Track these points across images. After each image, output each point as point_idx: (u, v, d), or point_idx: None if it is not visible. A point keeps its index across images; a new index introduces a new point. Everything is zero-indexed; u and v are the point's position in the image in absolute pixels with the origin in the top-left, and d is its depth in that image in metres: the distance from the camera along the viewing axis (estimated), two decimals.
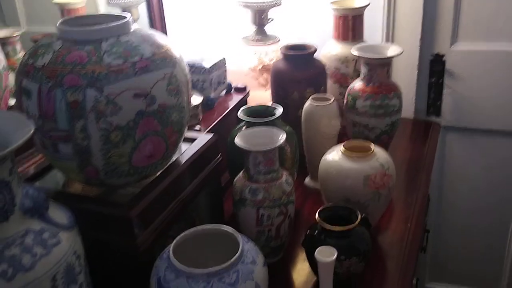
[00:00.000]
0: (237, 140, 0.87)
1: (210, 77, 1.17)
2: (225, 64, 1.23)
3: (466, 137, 1.61)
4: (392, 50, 1.14)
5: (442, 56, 1.52)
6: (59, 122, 0.70)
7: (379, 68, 1.13)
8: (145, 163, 0.77)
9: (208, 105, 1.16)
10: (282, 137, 0.87)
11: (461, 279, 1.81)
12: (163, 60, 0.74)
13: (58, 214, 0.63)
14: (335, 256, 0.72)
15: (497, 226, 1.70)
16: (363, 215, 0.85)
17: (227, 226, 0.78)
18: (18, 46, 1.11)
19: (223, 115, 1.16)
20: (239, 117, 1.02)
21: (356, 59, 1.29)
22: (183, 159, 0.88)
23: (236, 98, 1.24)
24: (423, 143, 1.39)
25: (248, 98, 1.28)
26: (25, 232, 0.57)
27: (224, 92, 1.25)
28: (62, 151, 0.73)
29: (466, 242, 1.76)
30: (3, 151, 0.52)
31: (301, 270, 0.95)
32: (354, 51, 1.14)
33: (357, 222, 0.83)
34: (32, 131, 0.56)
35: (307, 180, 1.20)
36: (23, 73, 0.72)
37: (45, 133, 0.72)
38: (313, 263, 0.87)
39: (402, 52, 1.13)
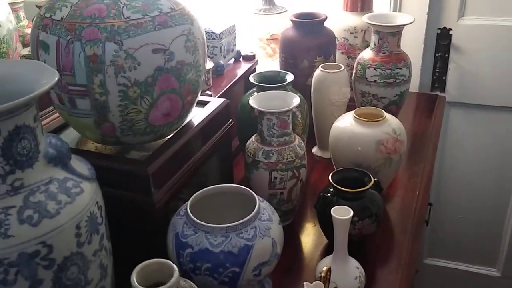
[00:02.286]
0: (252, 102, 0.87)
1: (220, 43, 1.16)
2: (235, 30, 1.22)
3: (470, 113, 1.61)
4: (403, 19, 1.13)
5: (449, 30, 1.51)
6: (77, 76, 0.70)
7: (390, 36, 1.13)
8: (161, 121, 0.77)
9: (217, 71, 1.16)
10: (296, 100, 0.87)
11: (459, 256, 1.83)
12: (181, 16, 0.74)
13: (80, 165, 0.63)
14: (351, 214, 0.72)
15: (497, 203, 1.72)
16: (376, 178, 0.86)
17: (242, 186, 0.79)
18: (22, 13, 1.10)
19: (232, 82, 1.15)
20: (251, 81, 1.02)
21: (365, 30, 1.29)
22: (196, 122, 0.88)
23: (244, 66, 1.23)
24: (429, 117, 1.39)
25: (256, 67, 1.28)
26: (49, 180, 0.57)
27: (233, 60, 1.24)
28: (79, 107, 0.73)
29: (465, 218, 1.78)
30: (29, 96, 0.52)
31: (311, 234, 0.96)
32: (366, 19, 1.14)
33: (370, 185, 0.83)
34: (56, 78, 0.56)
35: (315, 149, 1.21)
36: (41, 27, 0.71)
37: (63, 88, 0.71)
38: (325, 225, 0.88)
39: (414, 20, 1.13)
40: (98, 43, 0.68)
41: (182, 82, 0.75)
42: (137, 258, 0.62)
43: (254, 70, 1.26)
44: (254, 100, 0.88)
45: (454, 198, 1.76)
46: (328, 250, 0.89)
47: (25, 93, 0.53)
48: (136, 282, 0.55)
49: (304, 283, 0.63)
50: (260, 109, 0.85)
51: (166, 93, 0.74)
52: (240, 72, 1.21)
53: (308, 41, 1.17)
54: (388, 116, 0.96)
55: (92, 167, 0.64)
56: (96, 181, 0.64)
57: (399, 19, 1.14)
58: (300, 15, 1.21)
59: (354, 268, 0.77)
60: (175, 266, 0.58)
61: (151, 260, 0.60)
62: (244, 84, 1.25)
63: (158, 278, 0.58)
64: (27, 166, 0.55)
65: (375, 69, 1.14)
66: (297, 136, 0.91)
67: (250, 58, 1.26)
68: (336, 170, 0.88)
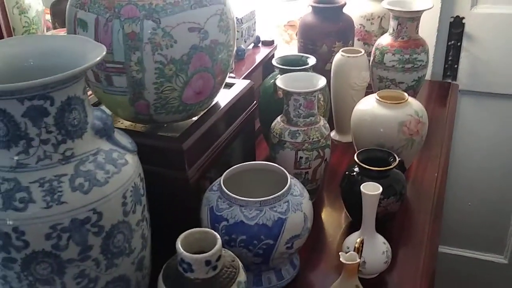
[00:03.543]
0: (278, 83, 0.89)
1: (241, 28, 1.17)
2: (255, 16, 1.24)
3: (481, 101, 1.63)
4: (421, 4, 1.15)
5: (462, 18, 1.53)
6: (115, 54, 0.71)
7: (409, 22, 1.14)
8: (193, 100, 0.79)
9: (238, 55, 1.17)
10: (322, 81, 0.89)
11: (467, 243, 1.85)
12: None
13: (122, 138, 0.64)
14: (380, 190, 0.74)
15: (505, 191, 1.73)
16: (400, 158, 0.88)
17: (273, 163, 0.81)
18: None
19: (253, 66, 1.17)
20: (275, 65, 1.04)
21: (382, 16, 1.30)
22: (224, 103, 0.90)
23: (264, 51, 1.25)
24: (443, 103, 1.41)
25: (275, 52, 1.30)
26: (96, 151, 0.59)
27: (252, 45, 1.26)
28: (116, 84, 0.74)
29: (474, 205, 1.79)
30: (81, 67, 0.54)
31: (333, 213, 0.98)
32: (385, 5, 1.15)
33: (396, 164, 0.85)
34: (105, 52, 0.57)
35: (333, 133, 1.22)
36: (78, 5, 0.73)
37: (100, 65, 0.73)
38: (350, 204, 0.90)
39: (433, 6, 1.14)
40: (136, 20, 0.70)
41: (215, 61, 0.77)
42: (169, 234, 0.64)
43: (273, 56, 1.28)
44: (281, 81, 0.89)
45: (463, 186, 1.78)
46: (350, 228, 0.91)
47: (72, 66, 0.55)
48: (181, 248, 0.57)
49: (340, 253, 0.65)
50: (288, 89, 0.87)
51: (199, 72, 0.76)
52: (260, 57, 1.23)
53: (327, 27, 1.19)
54: (410, 98, 0.98)
55: (132, 141, 0.66)
56: (137, 154, 0.65)
57: (417, 4, 1.16)
58: (320, 1, 1.22)
59: (381, 243, 0.79)
60: (217, 235, 0.60)
61: (194, 229, 0.62)
62: (263, 69, 1.27)
63: (200, 247, 0.60)
64: (77, 137, 0.57)
65: (393, 54, 1.16)
66: (321, 117, 0.93)
67: (269, 43, 1.28)
68: (361, 150, 0.90)
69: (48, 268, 0.55)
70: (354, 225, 0.87)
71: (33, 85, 0.50)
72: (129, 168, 0.61)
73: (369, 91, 1.21)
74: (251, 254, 0.71)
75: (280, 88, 0.88)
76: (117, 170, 0.59)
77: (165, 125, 0.86)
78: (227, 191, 0.72)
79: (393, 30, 1.17)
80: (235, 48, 1.14)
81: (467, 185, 1.77)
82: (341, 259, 0.64)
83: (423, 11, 1.14)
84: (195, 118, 0.85)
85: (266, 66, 1.28)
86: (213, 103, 0.89)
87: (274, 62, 1.05)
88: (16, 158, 0.54)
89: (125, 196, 0.59)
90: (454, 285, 1.90)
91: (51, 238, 0.54)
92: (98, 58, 0.55)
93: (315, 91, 0.87)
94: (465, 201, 1.80)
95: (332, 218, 0.98)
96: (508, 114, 1.61)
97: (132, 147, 0.64)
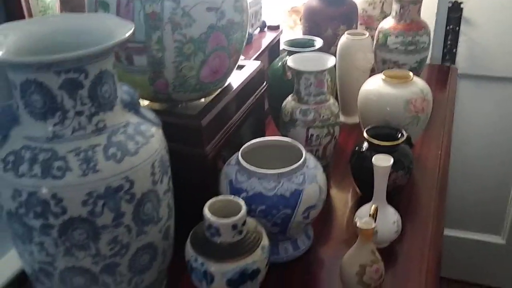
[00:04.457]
0: (289, 63, 0.92)
1: (248, 13, 1.20)
2: (260, 1, 1.27)
3: (479, 85, 1.67)
4: None
5: (460, 3, 1.56)
6: (136, 33, 0.74)
7: (412, 4, 1.18)
8: (210, 78, 0.82)
9: (247, 40, 1.19)
10: (332, 60, 0.92)
11: (464, 224, 1.89)
12: None
13: (147, 113, 0.67)
14: (392, 161, 0.78)
15: (503, 172, 1.77)
16: (407, 134, 0.91)
17: (287, 138, 0.84)
18: None
19: (261, 50, 1.20)
20: (283, 47, 1.07)
21: (383, 1, 1.34)
22: (236, 83, 0.93)
23: (270, 36, 1.28)
24: (443, 86, 1.45)
25: (280, 37, 1.32)
26: (126, 123, 0.62)
27: (258, 29, 1.28)
28: (136, 63, 0.77)
29: (472, 187, 1.83)
30: (113, 42, 0.56)
31: (342, 190, 1.01)
32: None
33: (404, 139, 0.89)
34: (133, 28, 0.60)
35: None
36: None
37: (121, 44, 0.75)
38: (359, 178, 0.93)
39: None
40: (157, 1, 0.72)
41: (230, 41, 0.80)
42: (186, 210, 0.67)
43: (278, 40, 1.31)
44: (291, 61, 0.92)
45: (461, 167, 1.81)
46: (358, 204, 0.94)
47: (101, 43, 0.57)
48: (209, 213, 0.61)
49: (356, 218, 0.68)
50: (299, 69, 0.90)
51: (216, 51, 0.79)
52: (266, 41, 1.25)
53: (332, 10, 1.22)
54: (415, 77, 1.02)
55: (156, 116, 0.69)
56: (161, 128, 0.68)
57: None
58: None
59: (391, 214, 0.82)
60: (242, 201, 0.63)
61: (219, 197, 0.65)
62: (268, 53, 1.29)
63: (225, 214, 0.63)
64: (108, 109, 0.60)
65: (396, 37, 1.19)
66: (331, 96, 0.96)
67: (274, 28, 1.30)
68: (369, 127, 0.93)
69: (84, 234, 0.58)
70: (362, 201, 0.91)
71: (69, 57, 0.53)
72: (156, 140, 0.64)
73: (372, 74, 1.24)
74: (269, 224, 0.74)
75: (291, 68, 0.92)
76: (145, 141, 0.62)
77: (180, 105, 0.89)
78: (245, 164, 0.76)
79: (396, 13, 1.20)
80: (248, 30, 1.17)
81: (465, 167, 1.81)
82: (357, 224, 0.67)
83: None
84: (210, 98, 0.88)
85: (272, 50, 1.31)
86: (226, 83, 0.91)
87: (282, 44, 1.08)
88: (52, 129, 0.57)
89: (154, 166, 0.62)
90: (453, 267, 1.95)
91: (87, 204, 0.57)
92: (128, 34, 0.58)
93: (326, 69, 0.90)
94: (463, 183, 1.84)
95: (341, 195, 1.01)
96: (506, 97, 1.65)
97: (157, 121, 0.67)
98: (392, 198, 0.90)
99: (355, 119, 1.22)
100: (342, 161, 1.08)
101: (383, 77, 1.01)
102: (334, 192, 1.02)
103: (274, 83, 1.09)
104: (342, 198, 1.00)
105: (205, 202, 0.66)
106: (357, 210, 0.87)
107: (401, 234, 0.85)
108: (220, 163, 0.87)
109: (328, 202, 0.98)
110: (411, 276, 0.78)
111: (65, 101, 0.56)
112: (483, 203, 1.85)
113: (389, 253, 0.83)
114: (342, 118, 1.24)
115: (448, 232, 1.93)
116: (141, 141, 0.61)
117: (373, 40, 1.26)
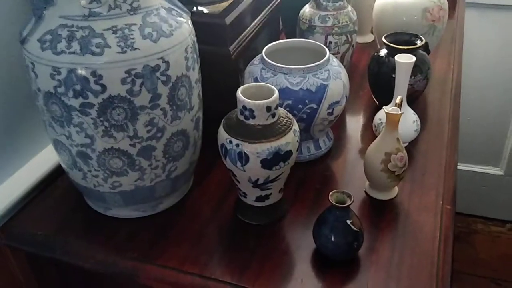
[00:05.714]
0: None
1: None
2: None
3: (484, 13, 1.66)
4: None
5: None
6: None
7: None
8: None
9: None
10: None
11: (465, 157, 1.92)
12: None
13: (176, 1, 0.67)
14: (414, 59, 0.79)
15: (503, 104, 1.80)
16: (425, 40, 0.92)
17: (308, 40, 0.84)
18: None
19: None
20: None
21: None
22: None
23: None
24: (452, 10, 1.44)
25: None
26: (159, 7, 0.62)
27: None
28: None
29: (473, 119, 1.85)
30: None
31: (356, 101, 1.02)
32: None
33: (422, 44, 0.89)
34: None
35: None
36: None
37: None
38: (376, 86, 0.94)
39: None
40: None
41: None
42: (209, 113, 0.68)
43: None
44: None
45: (463, 98, 1.83)
46: (374, 113, 0.96)
47: None
48: (243, 96, 0.62)
49: (383, 108, 0.70)
50: None
51: None
52: None
53: None
54: None
55: (183, 4, 0.68)
56: (190, 16, 0.68)
57: None
58: None
59: (411, 114, 0.84)
60: (273, 87, 0.64)
61: (250, 83, 0.66)
62: None
63: (257, 99, 0.64)
64: None
65: None
66: (349, 4, 0.96)
67: None
68: (387, 33, 0.93)
69: (123, 114, 0.59)
70: (378, 111, 0.92)
71: None
72: (187, 26, 0.64)
73: None
74: (296, 118, 0.75)
75: None
76: (178, 25, 0.62)
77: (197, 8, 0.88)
78: (270, 60, 0.76)
79: None
80: None
81: (466, 98, 1.82)
82: (385, 110, 0.69)
83: None
84: (227, 3, 0.87)
85: None
86: None
87: None
88: (89, 6, 0.57)
89: (187, 51, 0.63)
90: None
91: (126, 82, 0.57)
92: None
93: None
94: (464, 114, 1.86)
95: (356, 106, 1.02)
96: (510, 26, 1.65)
97: (186, 9, 0.67)
98: (410, 103, 0.92)
99: (367, 38, 1.22)
100: (356, 76, 1.09)
101: None
102: (349, 104, 1.03)
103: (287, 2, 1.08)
104: (358, 111, 1.01)
105: (228, 103, 0.67)
106: (373, 119, 0.88)
107: (418, 137, 0.87)
108: (240, 71, 0.87)
109: (344, 114, 0.99)
110: (431, 170, 0.81)
111: None
112: (483, 134, 1.88)
113: (409, 151, 0.85)
114: None
115: None
116: (174, 25, 0.62)
117: None
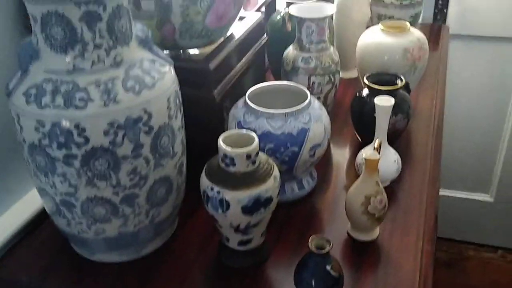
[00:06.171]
0: (292, 11, 0.93)
1: None
2: None
3: (469, 44, 1.70)
4: None
5: None
6: None
7: None
8: (215, 24, 0.83)
9: None
10: (332, 7, 0.94)
11: (453, 183, 1.94)
12: None
13: (160, 51, 0.69)
14: (393, 101, 0.81)
15: (491, 130, 1.82)
16: (405, 80, 0.94)
17: (292, 82, 0.87)
18: None
19: (258, 6, 1.21)
20: None
21: None
22: (238, 33, 0.95)
23: None
24: (435, 43, 1.48)
25: None
26: (142, 59, 0.64)
27: None
28: (144, 8, 0.78)
29: (461, 146, 1.88)
30: None
31: (341, 138, 1.04)
32: None
33: (402, 84, 0.92)
34: None
35: None
36: None
37: None
38: (359, 123, 0.96)
39: None
40: None
41: None
42: (192, 153, 0.69)
43: None
44: (293, 10, 0.94)
45: (450, 126, 1.86)
46: (358, 150, 0.98)
47: None
48: (224, 144, 0.63)
49: (362, 150, 0.71)
50: (301, 16, 0.92)
51: None
52: None
53: None
54: (411, 27, 1.04)
55: (167, 54, 0.71)
56: (173, 66, 0.70)
57: None
58: None
59: (392, 153, 0.86)
60: (254, 134, 0.66)
61: (232, 130, 0.68)
62: (265, 10, 1.31)
63: (238, 146, 0.66)
64: (124, 44, 0.62)
65: None
66: (331, 45, 0.99)
67: None
68: (369, 74, 0.96)
69: (105, 164, 0.61)
70: (362, 148, 0.94)
71: None
72: (169, 76, 0.66)
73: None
74: (278, 162, 0.77)
75: (293, 16, 0.94)
76: (160, 76, 0.64)
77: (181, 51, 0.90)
78: (253, 105, 0.78)
79: None
80: None
81: (454, 126, 1.85)
82: (363, 156, 0.71)
83: None
84: (213, 47, 0.90)
85: (268, 8, 1.33)
86: (229, 33, 0.93)
87: None
88: (72, 61, 0.59)
89: (169, 101, 0.65)
90: (441, 226, 2.01)
91: (108, 134, 0.59)
92: None
93: (327, 16, 0.92)
94: (452, 142, 1.89)
95: (340, 144, 1.04)
96: (496, 56, 1.69)
97: (169, 59, 0.69)
98: (392, 142, 0.94)
99: (352, 73, 1.25)
100: (341, 112, 1.11)
101: (381, 27, 1.03)
102: (333, 141, 1.05)
103: (274, 36, 1.11)
104: (342, 147, 1.03)
105: (212, 145, 0.69)
106: (356, 157, 0.90)
107: (400, 176, 0.89)
108: (226, 109, 0.89)
109: (328, 151, 1.01)
110: (412, 211, 0.82)
111: (84, 33, 0.58)
112: (471, 161, 1.90)
113: (390, 191, 0.87)
114: None
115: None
116: (156, 76, 0.64)
117: None
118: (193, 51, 0.90)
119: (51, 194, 0.64)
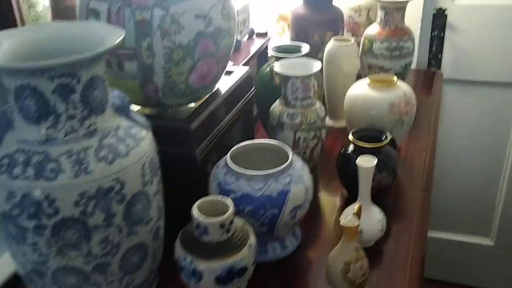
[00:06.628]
0: (277, 69, 0.94)
1: (237, 21, 1.23)
2: (248, 9, 1.30)
3: (464, 89, 1.70)
4: None
5: (445, 10, 1.60)
6: (126, 40, 0.76)
7: (395, 11, 1.21)
8: (199, 84, 0.84)
9: (235, 47, 1.22)
10: (317, 64, 0.95)
11: (453, 226, 1.91)
12: None
13: (137, 117, 0.69)
14: (375, 161, 0.80)
15: (489, 174, 1.81)
16: (391, 136, 0.94)
17: (274, 140, 0.86)
18: None
19: (249, 56, 1.23)
20: (271, 53, 1.09)
21: (369, 8, 1.37)
22: (225, 88, 0.95)
23: (258, 43, 1.31)
24: (429, 90, 1.48)
25: (268, 44, 1.35)
26: (117, 127, 0.64)
27: (247, 36, 1.31)
28: (127, 70, 0.79)
29: (459, 189, 1.86)
30: (105, 48, 0.59)
31: (329, 192, 1.04)
32: None
33: (387, 141, 0.92)
34: (123, 35, 0.62)
35: (326, 119, 1.28)
36: None
37: (113, 51, 0.78)
38: (346, 179, 0.96)
39: None
40: (146, 9, 0.75)
41: (218, 47, 0.82)
42: (175, 210, 0.69)
43: (266, 47, 1.34)
44: (278, 67, 0.95)
45: (448, 170, 1.85)
46: (345, 205, 0.97)
47: (93, 49, 0.59)
48: (198, 213, 0.63)
49: (340, 217, 0.70)
50: (286, 74, 0.93)
51: (204, 57, 0.81)
52: (254, 48, 1.28)
53: (318, 17, 1.25)
54: (399, 81, 1.05)
55: (147, 119, 0.71)
56: (151, 131, 0.70)
57: None
58: None
59: (376, 213, 0.85)
60: (229, 201, 0.65)
61: (207, 197, 0.67)
62: (257, 59, 1.32)
63: (213, 213, 0.65)
64: (99, 113, 0.62)
65: (382, 43, 1.23)
66: (317, 100, 0.99)
67: (262, 35, 1.33)
68: (355, 129, 0.96)
69: (76, 234, 0.60)
70: (349, 202, 0.93)
71: (62, 63, 0.55)
72: (146, 142, 0.66)
73: (359, 79, 1.27)
74: (257, 224, 0.76)
75: (278, 73, 0.94)
76: (136, 144, 0.64)
77: (169, 110, 0.91)
78: (232, 165, 0.78)
79: (381, 19, 1.23)
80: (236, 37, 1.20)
81: (451, 170, 1.84)
82: (341, 222, 0.70)
83: (408, 1, 1.21)
84: (199, 103, 0.90)
85: (260, 57, 1.34)
86: (215, 88, 0.94)
87: (270, 50, 1.10)
88: (45, 132, 0.59)
89: (144, 168, 0.64)
90: (441, 269, 1.97)
91: (79, 205, 0.59)
92: (118, 40, 0.60)
93: (311, 74, 0.92)
94: (451, 186, 1.87)
95: (329, 196, 1.03)
96: (490, 101, 1.69)
97: (147, 124, 0.69)
98: (378, 198, 0.93)
99: (342, 123, 1.25)
100: (329, 163, 1.10)
101: (368, 81, 1.04)
102: (321, 194, 1.04)
103: (263, 88, 1.11)
104: (330, 200, 1.02)
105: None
106: (343, 211, 0.89)
107: (386, 234, 0.87)
108: (209, 166, 0.89)
109: (315, 204, 1.00)
110: (396, 273, 0.81)
111: (57, 105, 0.58)
112: (471, 205, 1.88)
113: (374, 252, 0.85)
114: (329, 122, 1.27)
115: (436, 234, 1.95)
116: (131, 144, 0.63)
117: (359, 46, 1.29)
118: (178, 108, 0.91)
119: (22, 262, 0.64)
